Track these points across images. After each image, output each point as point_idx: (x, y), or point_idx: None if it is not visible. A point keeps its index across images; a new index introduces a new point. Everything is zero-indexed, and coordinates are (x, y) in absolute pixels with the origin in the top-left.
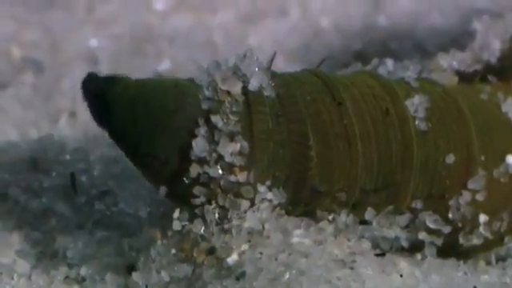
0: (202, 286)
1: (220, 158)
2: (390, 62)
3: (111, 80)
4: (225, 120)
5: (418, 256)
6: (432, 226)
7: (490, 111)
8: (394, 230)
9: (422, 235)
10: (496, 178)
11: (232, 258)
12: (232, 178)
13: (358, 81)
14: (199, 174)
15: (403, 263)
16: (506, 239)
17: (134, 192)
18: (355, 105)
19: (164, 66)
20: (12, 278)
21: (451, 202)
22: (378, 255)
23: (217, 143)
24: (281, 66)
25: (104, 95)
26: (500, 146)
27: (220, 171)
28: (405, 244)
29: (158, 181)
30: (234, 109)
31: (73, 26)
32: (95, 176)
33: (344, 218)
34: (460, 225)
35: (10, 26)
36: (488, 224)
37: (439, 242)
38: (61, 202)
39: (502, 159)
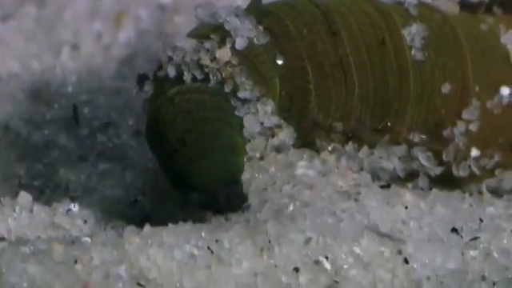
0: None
1: (261, 124)
2: None
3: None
4: (247, 89)
5: (410, 185)
6: (424, 163)
7: (488, 42)
8: (392, 160)
9: (417, 165)
10: (489, 109)
11: None
12: (276, 141)
13: (356, 8)
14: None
15: (408, 195)
16: (497, 172)
17: (137, 124)
18: (351, 34)
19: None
20: (14, 211)
21: (446, 133)
22: (382, 187)
23: (257, 113)
24: None
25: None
26: (495, 77)
27: (265, 140)
28: (401, 174)
29: None
30: (243, 74)
31: None
32: (98, 108)
33: (344, 146)
34: (453, 155)
35: None
36: (478, 159)
37: (433, 172)
38: (63, 134)
39: (496, 90)
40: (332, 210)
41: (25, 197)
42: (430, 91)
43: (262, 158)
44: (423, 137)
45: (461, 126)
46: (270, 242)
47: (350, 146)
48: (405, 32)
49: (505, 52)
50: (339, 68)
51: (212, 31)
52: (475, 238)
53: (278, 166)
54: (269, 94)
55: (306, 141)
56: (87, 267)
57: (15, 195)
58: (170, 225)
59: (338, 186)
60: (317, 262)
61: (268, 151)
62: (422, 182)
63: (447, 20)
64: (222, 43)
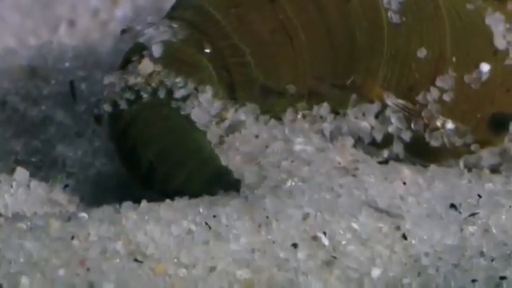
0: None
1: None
2: None
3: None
4: (181, 86)
5: (385, 153)
6: (396, 123)
7: (472, 20)
8: (368, 120)
9: (392, 128)
10: (467, 83)
11: None
12: (226, 123)
13: None
14: None
15: (406, 171)
16: (473, 147)
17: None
18: None
19: None
20: (11, 187)
21: (418, 97)
22: (380, 163)
23: (201, 104)
24: None
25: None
26: (475, 53)
27: (216, 127)
28: (378, 136)
29: None
30: (172, 75)
31: None
32: (95, 84)
33: (316, 109)
34: (426, 121)
35: None
36: (453, 132)
37: (407, 136)
38: (60, 109)
39: (476, 66)
40: (330, 185)
41: (22, 173)
42: (405, 54)
43: (221, 143)
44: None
45: (434, 93)
46: (267, 217)
47: (321, 110)
48: None
49: (487, 33)
50: (282, 32)
51: (132, 53)
52: (474, 214)
53: (243, 141)
54: (204, 77)
55: (266, 110)
56: (84, 243)
57: (12, 171)
58: (167, 200)
59: (335, 162)
60: (315, 238)
61: (228, 135)
62: (397, 147)
63: None
64: (140, 58)
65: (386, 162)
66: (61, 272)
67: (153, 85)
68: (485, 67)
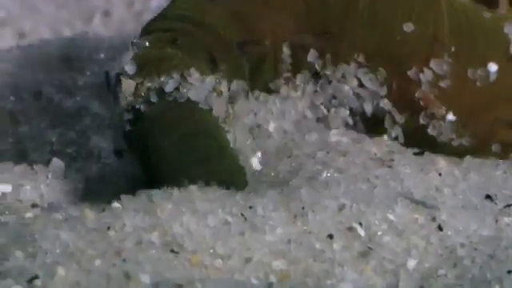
0: None
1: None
2: None
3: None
4: (169, 82)
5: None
6: (366, 84)
7: (485, 23)
8: (349, 84)
9: (384, 103)
10: (471, 78)
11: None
12: (226, 93)
13: None
14: None
15: (442, 162)
16: (494, 147)
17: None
18: None
19: None
20: (47, 177)
21: (410, 73)
22: (416, 154)
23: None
24: None
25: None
26: (482, 51)
27: (219, 100)
28: (368, 110)
29: None
30: (155, 77)
31: None
32: None
33: (300, 77)
34: (422, 104)
35: None
36: (455, 123)
37: (399, 116)
38: (95, 100)
39: (482, 64)
40: (366, 176)
41: (57, 163)
42: (388, 22)
43: (228, 116)
44: (379, 64)
45: (428, 75)
46: (303, 208)
47: (308, 57)
48: None
49: (506, 41)
50: None
51: (116, 86)
52: (509, 205)
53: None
54: (182, 62)
55: (252, 73)
56: (120, 234)
57: (47, 162)
58: (203, 190)
59: (371, 153)
60: (350, 229)
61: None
62: (395, 132)
63: None
64: (119, 82)
65: (421, 153)
66: (97, 262)
67: (142, 94)
68: (492, 67)
